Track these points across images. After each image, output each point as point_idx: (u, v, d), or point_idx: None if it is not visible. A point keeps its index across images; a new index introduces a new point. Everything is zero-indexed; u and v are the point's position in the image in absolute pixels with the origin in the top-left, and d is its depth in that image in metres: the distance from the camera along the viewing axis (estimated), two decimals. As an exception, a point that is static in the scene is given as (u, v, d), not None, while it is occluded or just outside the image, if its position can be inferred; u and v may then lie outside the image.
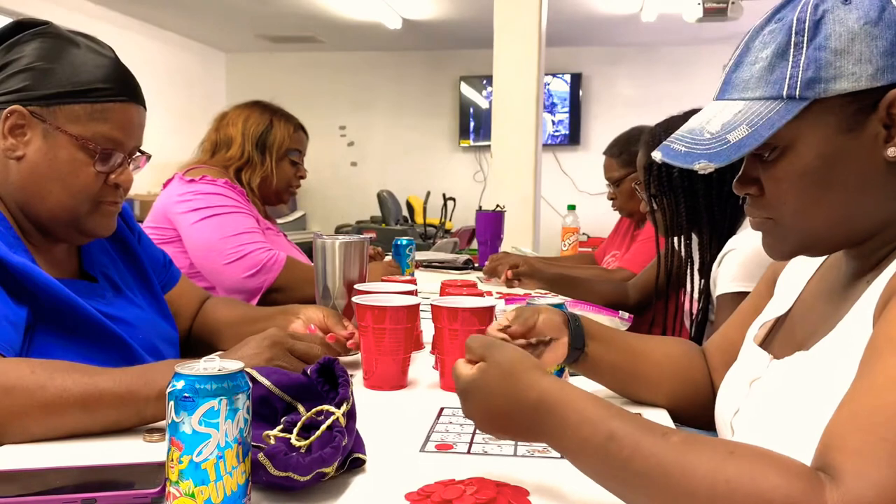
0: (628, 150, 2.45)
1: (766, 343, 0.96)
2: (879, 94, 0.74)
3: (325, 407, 0.81)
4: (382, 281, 1.68)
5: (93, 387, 0.91)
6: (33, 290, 1.04)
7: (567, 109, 7.79)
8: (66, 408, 0.90)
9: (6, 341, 0.97)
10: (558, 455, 0.80)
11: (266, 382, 0.87)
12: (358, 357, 1.30)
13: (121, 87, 1.15)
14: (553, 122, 7.80)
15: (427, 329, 1.47)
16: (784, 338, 0.93)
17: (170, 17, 6.71)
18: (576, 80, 7.73)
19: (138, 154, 1.21)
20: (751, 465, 0.62)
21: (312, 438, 0.79)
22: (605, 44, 7.61)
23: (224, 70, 8.41)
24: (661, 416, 1.06)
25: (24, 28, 1.14)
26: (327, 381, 0.88)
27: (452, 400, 1.03)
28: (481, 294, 1.66)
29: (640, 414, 1.04)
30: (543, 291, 2.15)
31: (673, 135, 0.83)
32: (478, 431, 0.97)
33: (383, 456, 0.89)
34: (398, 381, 1.21)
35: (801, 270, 0.97)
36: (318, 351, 1.10)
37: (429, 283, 2.10)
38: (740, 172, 0.85)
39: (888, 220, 0.79)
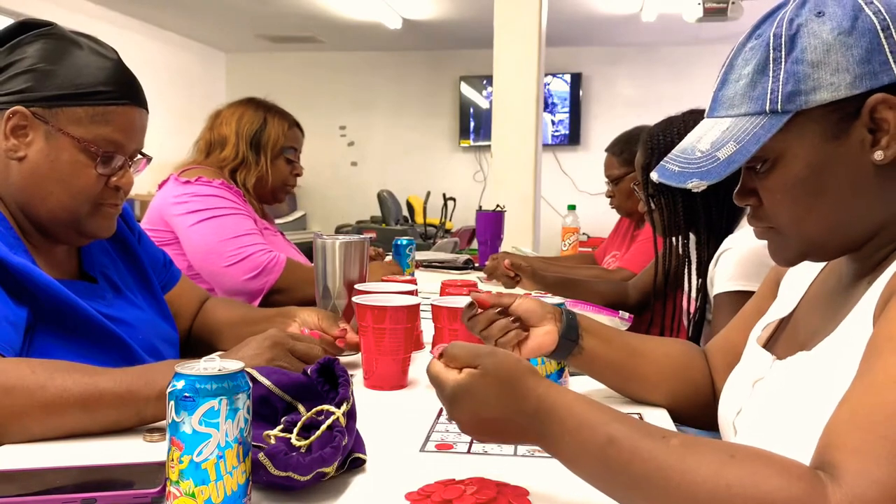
0: (630, 149, 2.45)
1: (769, 344, 0.96)
2: (860, 100, 0.76)
3: (326, 407, 0.81)
4: (383, 281, 1.68)
5: (93, 387, 0.91)
6: (33, 290, 1.04)
7: (567, 109, 7.79)
8: (67, 408, 0.90)
9: (6, 341, 0.97)
10: (558, 455, 0.80)
11: (266, 382, 0.87)
12: (358, 357, 1.30)
13: (123, 90, 1.15)
14: (553, 122, 7.80)
15: (427, 329, 1.47)
16: (787, 338, 0.94)
17: (170, 17, 6.71)
18: (576, 80, 7.73)
19: (139, 157, 1.21)
20: (751, 468, 0.62)
21: (312, 438, 0.79)
22: (605, 44, 7.61)
23: (224, 70, 8.41)
24: (661, 417, 1.06)
25: (28, 29, 1.14)
26: (327, 381, 0.88)
27: (452, 400, 1.03)
28: (481, 294, 1.66)
29: (640, 415, 1.05)
30: (544, 292, 2.15)
31: (668, 155, 0.86)
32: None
33: (383, 456, 0.89)
34: (398, 381, 1.21)
35: (805, 272, 0.98)
36: (318, 352, 1.10)
37: (429, 283, 2.10)
38: (739, 185, 0.87)
39: (884, 223, 0.80)
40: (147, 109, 1.20)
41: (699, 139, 0.83)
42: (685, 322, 1.84)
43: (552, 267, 2.47)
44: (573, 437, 0.72)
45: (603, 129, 7.02)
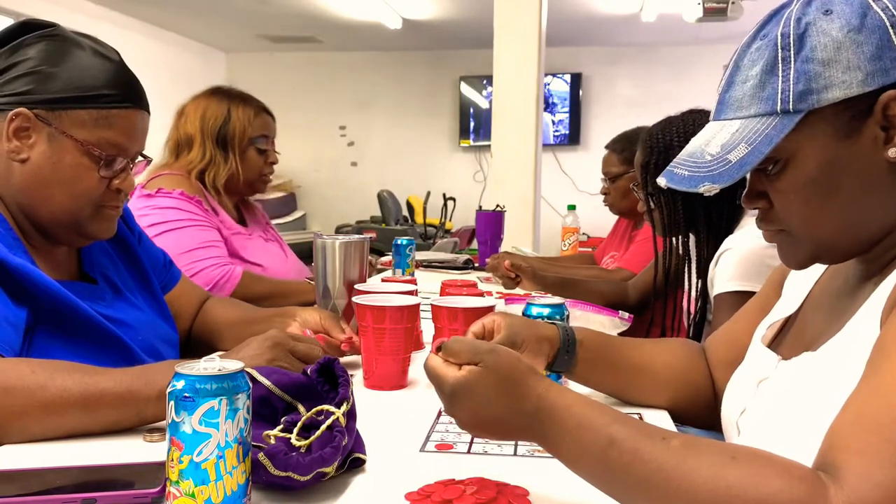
0: (631, 147, 2.45)
1: (774, 344, 0.96)
2: (873, 97, 0.75)
3: (325, 407, 0.81)
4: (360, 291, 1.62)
5: (93, 387, 0.91)
6: (33, 291, 1.04)
7: (567, 109, 7.78)
8: (67, 408, 0.90)
9: (6, 342, 0.97)
10: (558, 455, 0.80)
11: (266, 382, 0.87)
12: (358, 357, 1.30)
13: (126, 93, 1.14)
14: (553, 122, 7.79)
15: (427, 329, 1.47)
16: (792, 339, 0.93)
17: (170, 17, 6.71)
18: (576, 80, 7.73)
19: (140, 158, 1.21)
20: (752, 469, 0.62)
21: (312, 438, 0.79)
22: (605, 44, 7.61)
23: (224, 70, 8.40)
24: (661, 417, 1.06)
25: (30, 29, 1.14)
26: (327, 381, 0.88)
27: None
28: (481, 294, 1.66)
29: (640, 415, 1.05)
30: (544, 292, 2.15)
31: (675, 160, 0.85)
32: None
33: (383, 456, 0.89)
34: (398, 381, 1.21)
35: (809, 272, 0.97)
36: (318, 352, 1.10)
37: (429, 283, 2.10)
38: (747, 188, 0.86)
39: (895, 223, 0.80)
40: (149, 111, 1.20)
41: (707, 142, 0.82)
42: (685, 322, 1.84)
43: (552, 267, 2.46)
44: (573, 438, 0.71)
45: (603, 129, 7.01)
